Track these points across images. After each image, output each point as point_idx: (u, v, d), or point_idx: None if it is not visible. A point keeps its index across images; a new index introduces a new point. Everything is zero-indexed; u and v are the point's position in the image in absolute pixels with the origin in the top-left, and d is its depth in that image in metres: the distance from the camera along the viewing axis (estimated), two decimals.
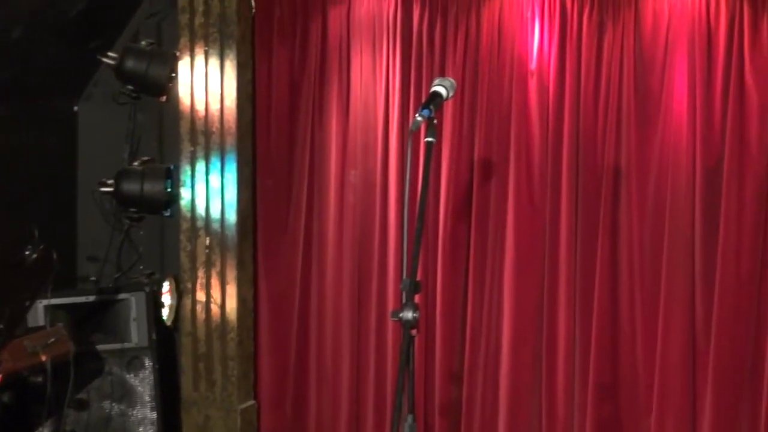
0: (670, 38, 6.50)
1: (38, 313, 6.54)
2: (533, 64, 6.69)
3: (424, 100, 4.45)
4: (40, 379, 5.78)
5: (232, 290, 7.06)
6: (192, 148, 7.03)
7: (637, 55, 6.56)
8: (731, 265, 6.40)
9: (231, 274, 7.05)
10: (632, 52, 6.55)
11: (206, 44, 6.96)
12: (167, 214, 7.25)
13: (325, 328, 7.19)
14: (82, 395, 6.81)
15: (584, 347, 6.65)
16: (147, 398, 6.97)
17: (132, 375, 6.97)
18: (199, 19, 6.95)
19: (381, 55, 6.91)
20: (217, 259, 7.05)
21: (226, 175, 6.99)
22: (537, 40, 6.66)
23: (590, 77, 6.61)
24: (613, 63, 6.57)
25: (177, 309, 7.20)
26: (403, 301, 3.99)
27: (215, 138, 6.98)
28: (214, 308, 7.09)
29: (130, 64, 7.07)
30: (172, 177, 7.14)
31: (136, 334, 6.97)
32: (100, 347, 6.90)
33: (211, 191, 7.03)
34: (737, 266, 6.40)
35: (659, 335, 6.52)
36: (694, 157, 6.45)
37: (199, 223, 7.06)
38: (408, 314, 3.95)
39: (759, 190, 6.40)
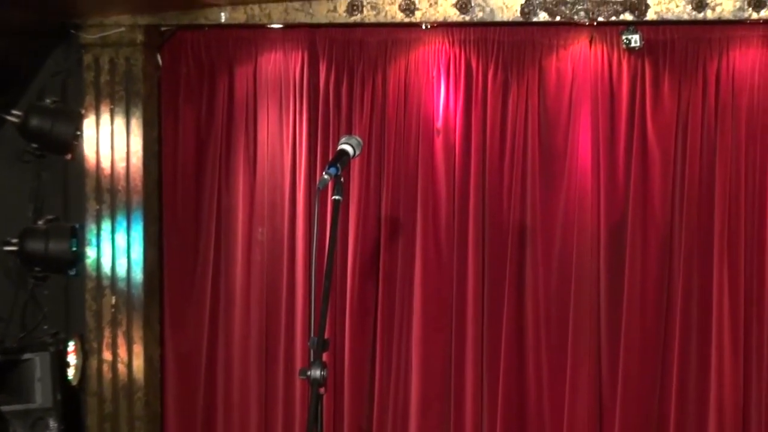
0: (574, 96, 6.61)
1: None
2: (439, 123, 6.74)
3: (331, 158, 4.46)
4: None
5: (138, 349, 6.97)
6: (98, 207, 6.96)
7: (542, 113, 6.65)
8: (636, 320, 6.48)
9: (137, 333, 6.97)
10: (537, 110, 6.64)
11: (112, 102, 6.91)
12: (72, 273, 7.14)
13: (232, 387, 7.12)
14: None
15: (491, 406, 6.67)
16: None
17: None
18: (104, 77, 6.90)
19: (288, 113, 6.92)
20: (123, 318, 6.97)
21: (132, 233, 6.93)
22: (443, 99, 6.73)
23: (495, 135, 6.68)
24: (518, 121, 6.65)
25: (83, 369, 7.08)
26: (311, 359, 3.97)
27: (121, 196, 6.92)
28: (121, 368, 6.99)
29: (34, 122, 6.98)
30: (77, 236, 7.04)
31: (41, 394, 6.84)
32: (4, 408, 6.76)
33: (117, 250, 6.95)
34: (642, 320, 6.49)
35: (566, 391, 6.56)
36: (599, 212, 6.54)
37: (105, 282, 6.98)
38: (316, 372, 3.93)
39: (662, 244, 6.51)
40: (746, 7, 6.26)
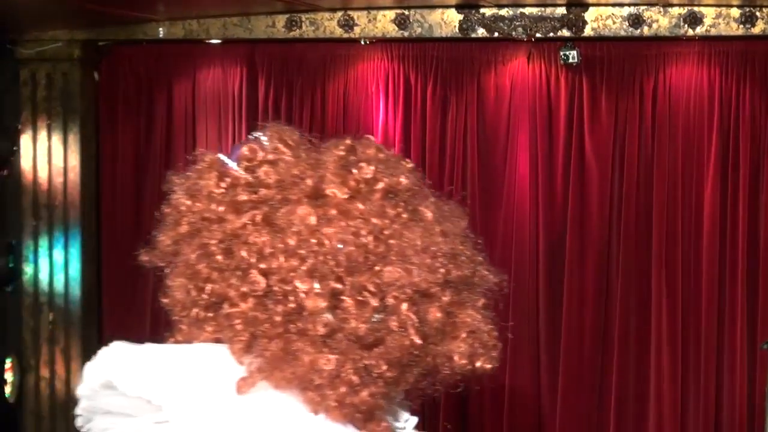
0: (513, 112, 6.64)
1: None
2: (379, 138, 6.73)
3: None
4: None
5: (76, 366, 6.91)
6: (35, 223, 6.91)
7: (480, 129, 6.68)
8: (575, 336, 6.51)
9: (76, 350, 6.92)
10: (475, 126, 6.67)
11: (49, 117, 6.87)
12: (9, 289, 7.07)
13: None
14: None
15: (433, 422, 6.68)
16: None
17: None
18: (41, 92, 6.85)
19: (227, 129, 6.90)
20: (61, 334, 6.92)
21: (70, 249, 6.88)
22: (382, 114, 6.74)
23: (434, 151, 6.70)
24: (457, 137, 6.67)
25: (20, 386, 7.02)
26: None
27: (59, 212, 6.88)
28: (59, 385, 6.94)
29: None
30: (14, 252, 6.98)
31: None
32: None
33: (54, 266, 6.90)
34: (580, 339, 6.52)
35: (505, 410, 6.58)
36: (537, 229, 6.57)
37: (43, 299, 6.93)
38: None
39: (600, 259, 6.54)
40: (682, 24, 6.31)
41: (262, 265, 1.70)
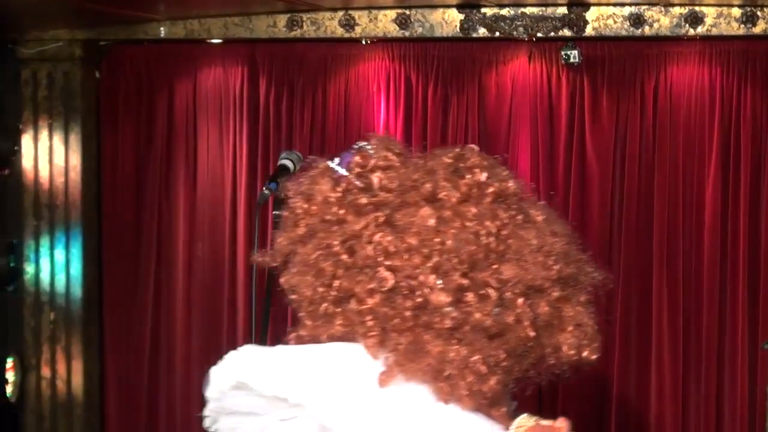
0: (513, 112, 6.64)
1: None
2: None
3: (271, 173, 4.44)
4: None
5: (78, 366, 6.92)
6: (36, 222, 6.91)
7: (482, 128, 6.67)
8: None
9: (77, 350, 6.92)
10: (476, 125, 6.67)
11: (50, 117, 6.87)
12: (10, 289, 7.08)
13: (174, 405, 7.07)
14: None
15: None
16: None
17: None
18: (42, 92, 6.85)
19: (228, 128, 6.90)
20: (62, 334, 6.92)
21: (71, 249, 6.88)
22: (383, 114, 6.74)
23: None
24: (458, 136, 6.67)
25: (21, 385, 7.02)
26: None
27: (60, 212, 6.88)
28: (60, 384, 6.94)
29: None
30: (15, 251, 6.98)
31: None
32: None
33: (55, 265, 6.91)
34: None
35: None
36: None
37: (44, 298, 6.93)
38: None
39: (601, 260, 6.52)
40: (683, 24, 6.31)
41: (388, 263, 1.85)
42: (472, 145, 2.02)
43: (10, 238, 7.05)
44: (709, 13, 6.27)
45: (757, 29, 6.25)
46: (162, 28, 6.75)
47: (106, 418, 7.15)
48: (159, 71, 6.98)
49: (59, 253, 6.89)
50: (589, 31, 6.40)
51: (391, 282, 1.85)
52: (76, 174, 6.86)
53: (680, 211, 6.48)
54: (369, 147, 2.01)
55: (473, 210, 1.88)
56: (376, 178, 1.93)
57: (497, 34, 6.47)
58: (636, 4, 6.31)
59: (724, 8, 6.24)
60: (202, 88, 6.94)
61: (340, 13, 6.57)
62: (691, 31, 6.32)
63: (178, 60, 6.95)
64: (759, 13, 6.22)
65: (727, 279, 6.45)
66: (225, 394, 1.96)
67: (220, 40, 6.83)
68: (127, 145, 7.05)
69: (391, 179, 1.92)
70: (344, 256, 1.91)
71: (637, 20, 6.33)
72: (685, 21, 6.31)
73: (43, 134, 6.88)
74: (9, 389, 7.00)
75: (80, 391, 6.93)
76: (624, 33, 6.38)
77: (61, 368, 6.93)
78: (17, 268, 6.98)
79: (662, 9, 6.32)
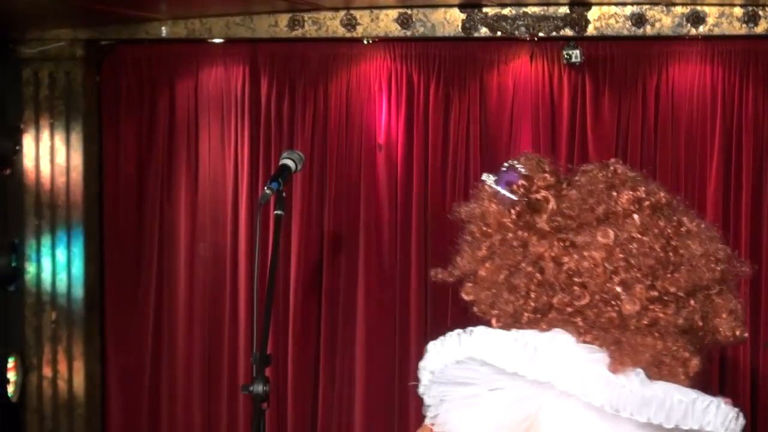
0: (515, 111, 6.64)
1: None
2: (381, 137, 6.75)
3: (272, 173, 4.44)
4: None
5: (79, 366, 6.92)
6: (37, 222, 6.91)
7: (483, 128, 6.68)
8: None
9: (78, 350, 6.92)
10: (478, 125, 6.67)
11: (52, 117, 6.87)
12: (12, 288, 7.07)
13: (176, 403, 7.08)
14: None
15: None
16: None
17: None
18: (44, 92, 6.85)
19: (229, 129, 6.90)
20: (63, 334, 6.92)
21: (73, 249, 6.88)
22: (385, 114, 6.74)
23: (437, 150, 6.70)
24: (459, 136, 6.68)
25: (22, 385, 7.02)
26: (254, 374, 3.95)
27: (61, 211, 6.88)
28: (61, 384, 6.95)
29: None
30: (16, 251, 6.97)
31: None
32: None
33: (57, 265, 6.91)
34: None
35: None
36: None
37: (45, 298, 6.93)
38: (258, 388, 3.91)
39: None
40: (685, 23, 6.31)
41: (579, 280, 2.13)
42: (614, 159, 2.25)
43: (12, 238, 7.04)
44: (711, 12, 6.27)
45: (759, 29, 6.25)
46: (163, 28, 6.75)
47: (108, 418, 7.16)
48: (160, 71, 6.98)
49: (60, 253, 6.89)
50: (590, 30, 6.40)
51: (585, 299, 2.12)
52: (77, 174, 6.86)
53: None
54: (519, 165, 2.24)
55: (639, 225, 2.15)
56: (551, 203, 2.18)
57: (499, 33, 6.47)
58: (638, 4, 6.32)
59: (726, 8, 6.24)
60: (203, 88, 6.94)
61: (342, 13, 6.57)
62: (693, 31, 6.32)
63: (180, 60, 6.96)
64: (761, 13, 6.22)
65: None
66: (446, 367, 2.21)
67: (221, 40, 6.83)
68: (128, 144, 7.05)
69: (566, 203, 2.18)
70: (537, 275, 2.17)
71: (638, 20, 6.33)
72: (687, 20, 6.31)
73: (45, 134, 6.88)
74: (10, 389, 7.00)
75: (81, 391, 6.93)
76: (626, 33, 6.38)
77: (62, 368, 6.93)
78: (18, 268, 6.97)
79: (664, 8, 6.32)
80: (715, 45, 6.46)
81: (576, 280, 2.13)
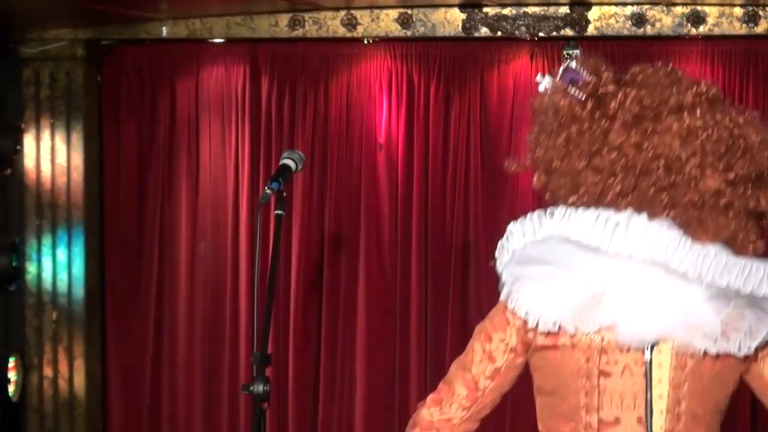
0: (516, 111, 6.64)
1: None
2: (382, 137, 6.75)
3: (273, 172, 4.45)
4: None
5: (80, 365, 6.93)
6: (38, 222, 6.91)
7: (484, 128, 6.68)
8: None
9: (79, 349, 6.93)
10: (479, 125, 6.67)
11: (52, 116, 6.87)
12: (12, 288, 7.07)
13: (177, 403, 7.08)
14: None
15: None
16: None
17: None
18: (44, 92, 6.86)
19: (230, 128, 6.90)
20: (64, 333, 6.92)
21: (74, 248, 6.88)
22: (385, 113, 6.74)
23: (438, 150, 6.70)
24: (460, 135, 6.68)
25: (23, 385, 7.02)
26: (254, 374, 3.94)
27: (62, 211, 6.88)
28: (62, 384, 6.95)
29: None
30: (17, 251, 6.97)
31: None
32: None
33: (58, 265, 6.91)
34: None
35: (508, 405, 6.57)
36: None
37: (46, 298, 6.93)
38: (259, 387, 3.90)
39: None
40: (685, 23, 6.31)
41: (660, 163, 2.38)
42: (661, 62, 2.56)
43: (12, 238, 7.04)
44: (711, 12, 6.28)
45: (759, 29, 6.25)
46: (164, 28, 6.76)
47: (108, 418, 7.16)
48: (161, 71, 6.98)
49: (61, 253, 6.89)
50: (591, 30, 6.40)
51: (668, 180, 2.38)
52: (78, 173, 6.87)
53: None
54: (579, 66, 2.56)
55: (707, 115, 2.42)
56: (621, 96, 2.45)
57: (499, 33, 6.47)
58: (638, 4, 6.32)
59: (726, 8, 6.25)
60: (204, 88, 6.94)
61: (342, 13, 6.58)
62: (693, 31, 6.33)
63: (180, 59, 6.96)
64: (761, 13, 6.22)
65: None
66: (526, 246, 2.43)
67: (222, 40, 6.84)
68: (129, 144, 7.05)
69: (643, 94, 2.43)
70: (621, 160, 2.41)
71: (639, 20, 6.34)
72: (687, 20, 6.31)
73: (45, 134, 6.88)
74: (11, 389, 7.00)
75: (82, 391, 6.93)
76: (626, 32, 6.39)
77: (63, 368, 6.93)
78: (19, 268, 6.97)
79: (664, 8, 6.32)
80: (715, 45, 6.47)
81: (658, 163, 2.38)
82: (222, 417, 6.99)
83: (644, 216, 2.37)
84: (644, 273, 2.39)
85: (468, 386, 2.72)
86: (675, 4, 6.28)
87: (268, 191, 4.20)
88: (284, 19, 6.64)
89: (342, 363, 6.84)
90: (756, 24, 6.24)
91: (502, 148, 6.66)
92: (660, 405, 2.48)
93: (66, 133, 6.86)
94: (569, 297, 2.44)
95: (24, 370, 6.99)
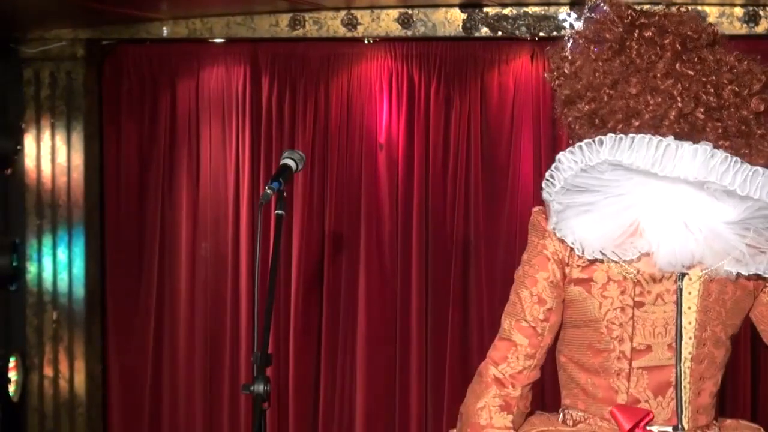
0: (516, 111, 6.65)
1: None
2: (382, 137, 6.75)
3: (273, 172, 4.45)
4: None
5: (80, 365, 6.93)
6: (38, 222, 6.92)
7: (484, 127, 6.68)
8: None
9: (79, 349, 6.93)
10: (479, 124, 6.67)
11: (53, 116, 6.87)
12: (13, 288, 7.07)
13: (178, 403, 7.08)
14: None
15: (436, 418, 6.68)
16: None
17: None
18: (45, 91, 6.86)
19: (231, 128, 6.90)
20: (64, 333, 6.92)
21: (74, 248, 6.89)
22: (385, 113, 6.74)
23: (438, 149, 6.70)
24: (460, 135, 6.68)
25: (23, 385, 7.02)
26: (255, 374, 3.94)
27: (62, 211, 6.88)
28: (62, 383, 6.95)
29: None
30: (17, 251, 6.96)
31: None
32: None
33: (58, 265, 6.91)
34: None
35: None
36: None
37: (46, 298, 6.94)
38: (259, 387, 3.89)
39: None
40: None
41: (711, 88, 2.56)
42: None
43: (13, 238, 7.03)
44: (712, 12, 6.28)
45: (760, 28, 6.26)
46: (164, 28, 6.76)
47: (109, 418, 7.16)
48: (161, 71, 6.98)
49: (62, 253, 6.90)
50: None
51: (719, 102, 2.56)
52: (78, 173, 6.87)
53: None
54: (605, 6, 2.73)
55: (731, 52, 2.68)
56: (672, 25, 2.64)
57: (499, 33, 6.47)
58: (638, 4, 6.29)
59: (727, 7, 6.25)
60: (204, 88, 6.94)
61: (343, 13, 6.58)
62: None
63: (181, 59, 6.96)
64: (761, 13, 6.22)
65: None
66: (575, 174, 2.50)
67: (222, 40, 6.84)
68: (129, 144, 7.06)
69: (688, 27, 2.63)
70: (678, 85, 2.54)
71: None
72: None
73: (46, 134, 6.88)
74: (12, 388, 7.00)
75: (83, 391, 6.93)
76: None
77: (63, 367, 6.94)
78: (20, 268, 6.95)
79: (664, 8, 6.30)
80: None
81: (706, 89, 2.54)
82: (222, 417, 6.99)
83: (692, 142, 2.48)
84: (683, 198, 2.53)
85: (527, 334, 2.76)
86: (675, 4, 6.27)
87: (268, 191, 4.20)
88: (285, 19, 6.65)
89: (342, 362, 6.84)
90: (756, 24, 6.24)
91: (503, 148, 6.67)
92: (689, 331, 2.65)
93: (66, 133, 6.87)
94: (612, 225, 2.56)
95: (24, 369, 6.99)
